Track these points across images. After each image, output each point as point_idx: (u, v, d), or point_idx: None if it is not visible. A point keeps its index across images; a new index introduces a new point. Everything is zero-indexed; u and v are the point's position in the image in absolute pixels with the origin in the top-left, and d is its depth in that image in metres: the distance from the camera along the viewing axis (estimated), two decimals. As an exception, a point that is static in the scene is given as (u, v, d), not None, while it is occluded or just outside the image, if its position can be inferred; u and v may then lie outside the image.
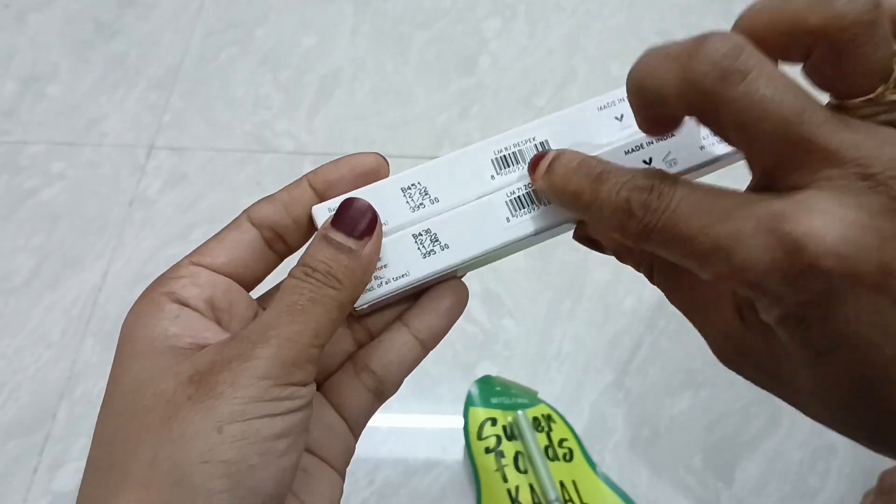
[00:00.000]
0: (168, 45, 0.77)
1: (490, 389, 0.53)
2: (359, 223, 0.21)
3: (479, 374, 0.53)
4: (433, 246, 0.22)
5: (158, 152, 0.70)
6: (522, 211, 0.22)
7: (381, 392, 0.24)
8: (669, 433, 0.55)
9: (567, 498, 0.48)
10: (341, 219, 0.21)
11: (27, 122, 0.72)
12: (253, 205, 0.23)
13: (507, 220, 0.22)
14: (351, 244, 0.21)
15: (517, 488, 0.48)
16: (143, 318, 0.20)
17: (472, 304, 0.54)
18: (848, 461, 0.53)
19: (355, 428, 0.24)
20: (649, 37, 0.76)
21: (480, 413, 0.52)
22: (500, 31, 0.78)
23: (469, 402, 0.52)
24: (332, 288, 0.20)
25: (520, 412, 0.51)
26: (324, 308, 0.20)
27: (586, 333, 0.59)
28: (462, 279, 0.24)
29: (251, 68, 0.75)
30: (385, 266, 0.22)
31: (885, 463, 0.50)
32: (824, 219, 0.15)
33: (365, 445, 0.54)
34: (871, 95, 0.17)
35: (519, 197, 0.22)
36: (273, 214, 0.23)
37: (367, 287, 0.22)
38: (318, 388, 0.24)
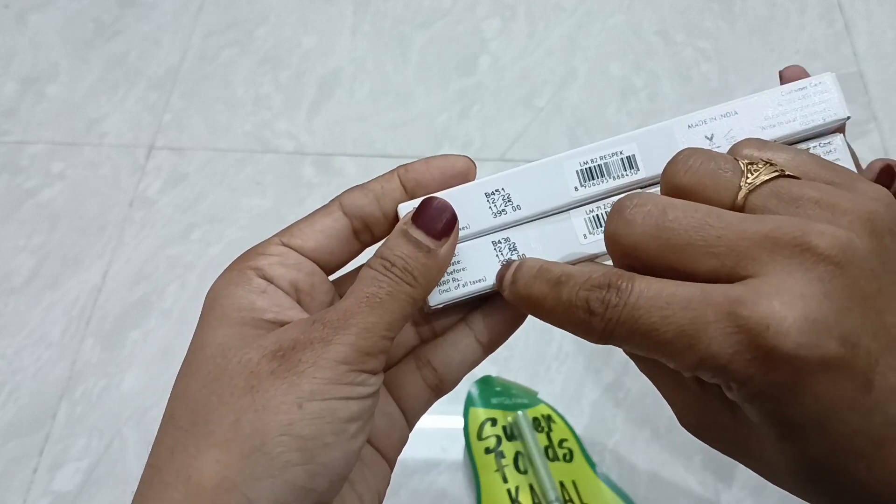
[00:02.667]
0: (168, 45, 0.77)
1: (490, 389, 0.53)
2: (438, 223, 0.21)
3: (479, 374, 0.53)
4: (511, 254, 0.23)
5: (158, 152, 0.70)
6: (599, 230, 0.23)
7: (440, 389, 0.25)
8: (669, 433, 0.55)
9: (567, 498, 0.48)
10: (422, 217, 0.21)
11: (27, 122, 0.72)
12: (346, 192, 0.23)
13: (585, 236, 0.23)
14: (429, 243, 0.21)
15: (517, 488, 0.48)
16: (232, 287, 0.21)
17: (472, 305, 0.54)
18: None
19: (411, 420, 0.25)
20: (649, 37, 0.76)
21: (480, 413, 0.52)
22: (500, 31, 0.78)
23: (469, 403, 0.52)
24: (409, 284, 0.21)
25: (520, 412, 0.51)
26: (399, 303, 0.20)
27: (586, 333, 0.59)
28: None
29: (251, 68, 0.75)
30: (464, 269, 0.23)
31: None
32: (781, 301, 0.16)
33: (365, 445, 0.54)
34: (741, 195, 0.18)
35: (598, 216, 0.23)
36: (366, 206, 0.23)
37: (445, 287, 0.23)
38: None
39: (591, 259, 0.23)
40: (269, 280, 0.22)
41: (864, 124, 0.70)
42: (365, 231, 0.23)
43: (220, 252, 0.63)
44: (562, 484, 0.49)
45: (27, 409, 0.57)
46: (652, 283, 0.18)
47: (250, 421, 0.19)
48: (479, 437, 0.51)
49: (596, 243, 0.23)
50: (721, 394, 0.19)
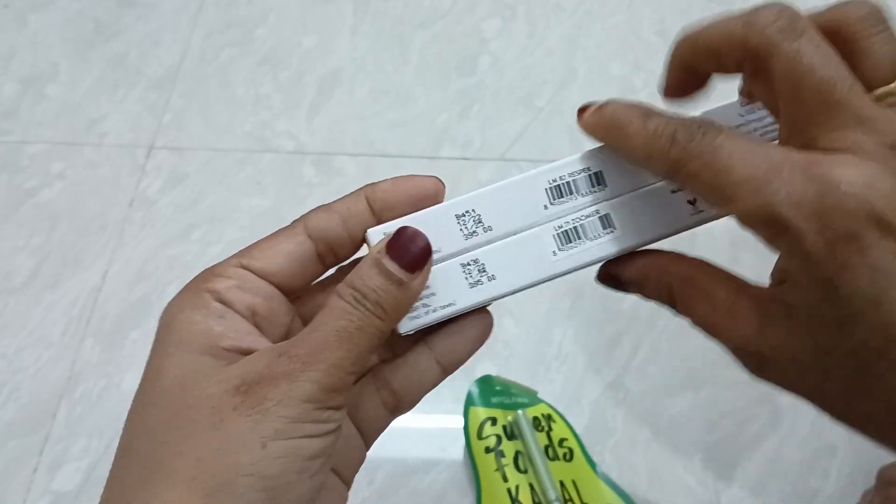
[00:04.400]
0: (168, 45, 0.77)
1: (490, 389, 0.53)
2: (412, 255, 0.21)
3: (479, 374, 0.53)
4: (480, 276, 0.22)
5: (158, 152, 0.70)
6: (569, 245, 0.22)
7: (397, 409, 0.24)
8: (669, 433, 0.55)
9: (567, 498, 0.48)
10: (396, 247, 0.21)
11: (27, 122, 0.72)
12: (310, 213, 0.22)
13: (554, 253, 0.22)
14: (403, 276, 0.20)
15: (517, 488, 0.48)
16: (188, 310, 0.21)
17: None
18: (848, 461, 0.53)
19: (369, 440, 0.25)
20: (649, 37, 0.76)
21: (480, 413, 0.52)
22: (500, 31, 0.78)
23: (469, 402, 0.52)
24: (379, 318, 0.20)
25: (520, 412, 0.51)
26: (367, 337, 0.20)
27: (586, 333, 0.59)
28: (488, 306, 0.24)
29: (251, 68, 0.75)
30: (433, 294, 0.22)
31: (884, 461, 0.50)
32: (856, 169, 0.17)
33: (365, 445, 0.54)
34: (891, 86, 0.19)
35: (566, 231, 0.22)
36: (331, 228, 0.22)
37: (415, 314, 0.22)
38: None
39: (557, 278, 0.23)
40: (227, 304, 0.21)
41: (863, 124, 0.70)
42: (329, 254, 0.23)
43: (220, 252, 0.63)
44: (562, 483, 0.49)
45: (27, 409, 0.57)
46: (737, 136, 0.19)
47: (213, 459, 0.18)
48: (480, 437, 0.51)
49: (567, 259, 0.22)
50: (780, 312, 0.19)
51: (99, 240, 0.65)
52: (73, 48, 0.77)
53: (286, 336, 0.23)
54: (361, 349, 0.20)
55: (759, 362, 0.20)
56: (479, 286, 0.22)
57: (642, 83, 0.73)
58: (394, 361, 0.24)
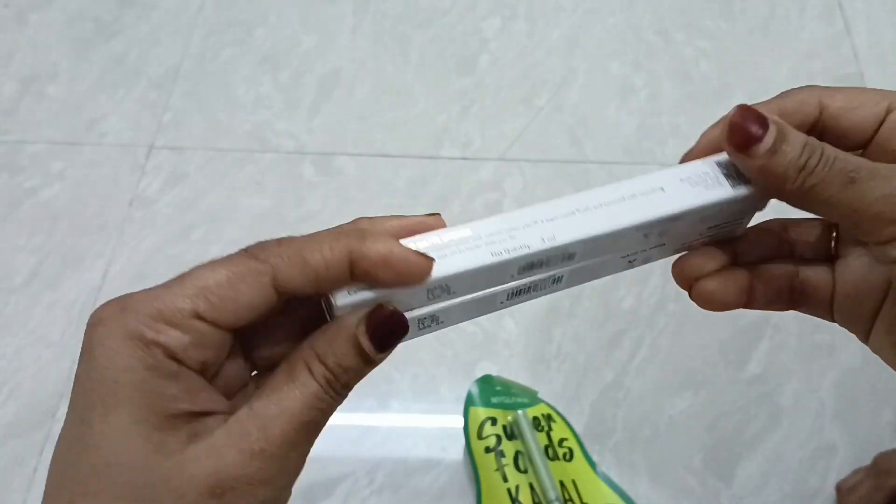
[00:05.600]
0: (168, 45, 0.77)
1: (490, 389, 0.53)
2: (390, 340, 0.20)
3: (479, 374, 0.53)
4: (431, 323, 0.22)
5: (158, 152, 0.70)
6: (517, 297, 0.23)
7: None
8: (669, 433, 0.55)
9: (567, 497, 0.48)
10: (378, 331, 0.19)
11: (27, 122, 0.72)
12: (282, 258, 0.19)
13: (501, 302, 0.23)
14: (375, 356, 0.20)
15: (517, 488, 0.48)
16: (137, 367, 0.18)
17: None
18: (848, 461, 0.53)
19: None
20: (649, 37, 0.76)
21: (480, 413, 0.52)
22: (500, 30, 0.78)
23: (469, 402, 0.52)
24: (342, 398, 0.20)
25: (520, 412, 0.51)
26: (327, 419, 0.19)
27: (586, 333, 0.59)
28: None
29: (251, 68, 0.75)
30: None
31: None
32: None
33: (365, 445, 0.55)
34: None
35: (520, 289, 0.23)
36: (303, 286, 0.19)
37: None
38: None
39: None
40: (180, 362, 0.18)
41: (864, 124, 0.70)
42: (294, 302, 0.21)
43: (219, 251, 0.63)
44: (562, 483, 0.49)
45: (27, 409, 0.57)
46: (867, 166, 0.20)
47: None
48: (480, 437, 0.51)
49: (511, 303, 0.23)
50: None
51: (99, 239, 0.65)
52: (73, 48, 0.77)
53: (234, 381, 0.21)
54: (320, 431, 0.19)
55: None
56: (426, 329, 0.22)
57: (642, 83, 0.73)
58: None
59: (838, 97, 0.21)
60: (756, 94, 0.80)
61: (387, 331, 0.19)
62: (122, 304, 0.19)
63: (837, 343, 0.58)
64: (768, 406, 0.56)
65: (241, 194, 0.67)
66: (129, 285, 0.62)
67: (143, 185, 0.68)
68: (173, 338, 0.18)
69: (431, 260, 0.20)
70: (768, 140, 0.20)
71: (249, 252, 0.19)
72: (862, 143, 0.22)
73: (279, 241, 0.20)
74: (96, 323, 0.19)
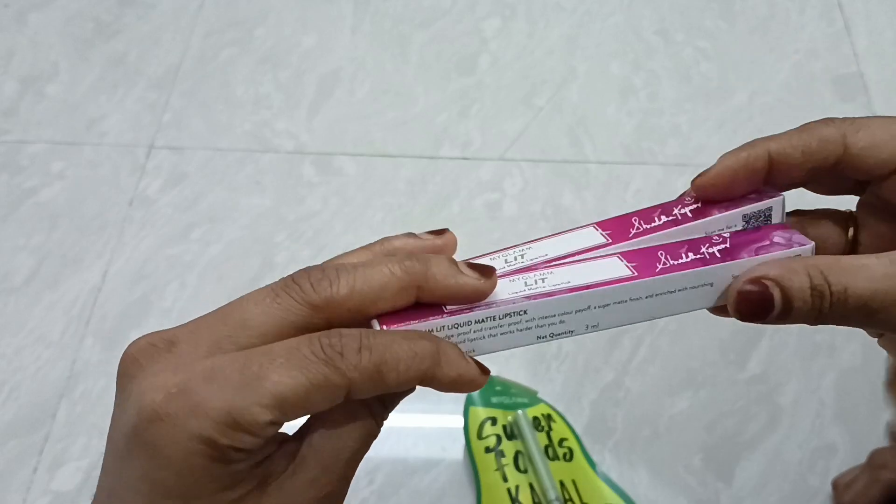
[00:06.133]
0: (168, 45, 0.77)
1: (490, 389, 0.53)
2: None
3: (479, 374, 0.53)
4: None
5: (158, 152, 0.70)
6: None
7: None
8: (669, 433, 0.55)
9: (567, 497, 0.48)
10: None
11: (27, 122, 0.72)
12: (357, 380, 0.19)
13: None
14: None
15: (517, 488, 0.48)
16: (206, 468, 0.18)
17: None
18: (848, 461, 0.53)
19: None
20: (649, 37, 0.76)
21: (480, 412, 0.52)
22: (500, 30, 0.78)
23: (469, 402, 0.52)
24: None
25: (520, 412, 0.51)
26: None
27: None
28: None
29: (251, 68, 0.75)
30: None
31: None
32: None
33: (365, 445, 0.54)
34: None
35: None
36: (369, 397, 0.20)
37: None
38: None
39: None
40: (248, 451, 0.19)
41: (864, 124, 0.70)
42: None
43: (220, 251, 0.63)
44: (562, 483, 0.49)
45: (27, 409, 0.57)
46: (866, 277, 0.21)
47: None
48: (480, 437, 0.51)
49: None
50: None
51: (99, 239, 0.65)
52: (73, 48, 0.77)
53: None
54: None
55: None
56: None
57: (642, 83, 0.73)
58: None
59: (861, 135, 0.21)
60: (756, 93, 0.80)
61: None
62: (188, 401, 0.17)
63: (837, 343, 0.58)
64: (768, 406, 0.56)
65: (241, 194, 0.67)
66: (129, 285, 0.62)
67: (143, 185, 0.68)
68: (249, 442, 0.18)
69: (488, 374, 0.21)
70: (777, 307, 0.21)
71: (330, 348, 0.18)
72: (884, 177, 0.22)
73: (361, 342, 0.19)
74: (155, 418, 0.18)
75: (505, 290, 0.21)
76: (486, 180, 0.67)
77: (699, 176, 0.23)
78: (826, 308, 0.20)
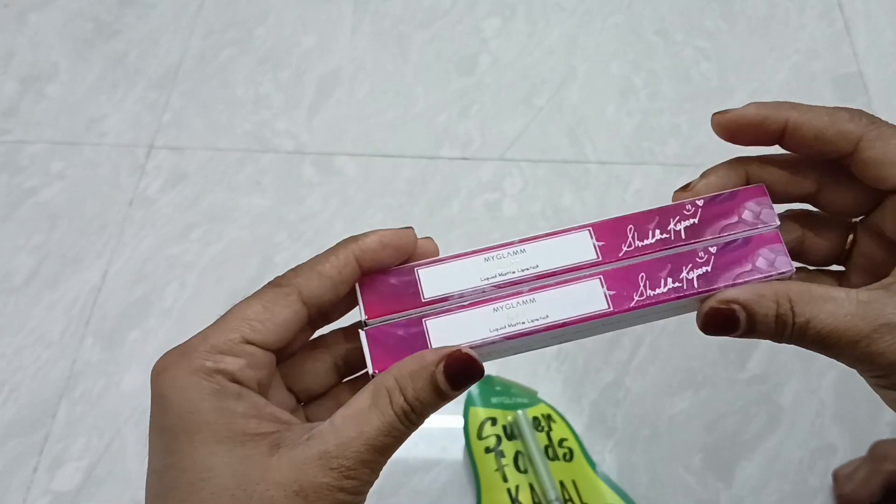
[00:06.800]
0: (168, 45, 0.77)
1: (490, 389, 0.53)
2: (465, 381, 0.22)
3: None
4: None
5: (158, 152, 0.70)
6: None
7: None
8: (669, 433, 0.55)
9: (567, 498, 0.48)
10: (457, 375, 0.21)
11: (27, 122, 0.72)
12: (301, 279, 0.22)
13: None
14: (450, 394, 0.21)
15: (517, 488, 0.48)
16: (209, 397, 0.20)
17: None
18: (847, 461, 0.53)
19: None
20: (649, 37, 0.76)
21: (480, 413, 0.52)
22: (500, 30, 0.78)
23: (469, 402, 0.52)
24: (416, 427, 0.22)
25: (520, 412, 0.51)
26: (399, 445, 0.22)
27: (586, 333, 0.59)
28: None
29: (251, 68, 0.75)
30: None
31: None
32: None
33: (365, 445, 0.54)
34: None
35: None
36: (325, 294, 0.22)
37: None
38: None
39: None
40: (241, 383, 0.21)
41: (864, 124, 0.70)
42: (320, 318, 0.24)
43: (219, 251, 0.63)
44: (562, 483, 0.49)
45: (27, 409, 0.57)
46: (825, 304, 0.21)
47: None
48: (479, 437, 0.51)
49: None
50: None
51: (99, 239, 0.65)
52: (73, 48, 0.77)
53: (284, 406, 0.23)
54: (392, 453, 0.22)
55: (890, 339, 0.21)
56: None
57: (642, 83, 0.73)
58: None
59: (877, 146, 0.22)
60: (756, 93, 0.80)
61: (463, 373, 0.21)
62: (179, 350, 0.21)
63: (837, 343, 0.58)
64: (768, 406, 0.56)
65: (241, 194, 0.67)
66: (129, 285, 0.62)
67: (143, 185, 0.68)
68: (230, 363, 0.21)
69: (411, 228, 0.23)
70: (741, 328, 0.22)
71: (272, 283, 0.23)
72: (881, 195, 0.23)
73: (294, 268, 0.23)
74: (161, 371, 0.21)
75: (487, 323, 0.23)
76: (486, 180, 0.67)
77: (720, 113, 0.24)
78: (787, 335, 0.21)
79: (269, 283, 0.23)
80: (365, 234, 0.23)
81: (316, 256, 0.23)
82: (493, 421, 0.51)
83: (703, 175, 0.24)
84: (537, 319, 0.23)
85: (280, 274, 0.23)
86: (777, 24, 0.77)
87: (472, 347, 0.22)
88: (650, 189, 0.66)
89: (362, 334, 0.23)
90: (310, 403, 0.25)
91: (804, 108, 0.23)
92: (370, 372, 0.22)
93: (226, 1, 0.80)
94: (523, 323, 0.23)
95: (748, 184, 0.24)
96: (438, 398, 0.21)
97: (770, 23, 0.78)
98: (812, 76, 0.74)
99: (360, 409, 0.21)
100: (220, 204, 0.66)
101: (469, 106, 0.72)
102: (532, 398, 0.53)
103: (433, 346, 0.22)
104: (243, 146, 0.70)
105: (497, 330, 0.23)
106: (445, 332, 0.23)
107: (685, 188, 0.24)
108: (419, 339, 0.23)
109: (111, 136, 0.71)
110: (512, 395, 0.53)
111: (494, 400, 0.52)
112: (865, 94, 0.72)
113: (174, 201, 0.67)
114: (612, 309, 0.23)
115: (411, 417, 0.21)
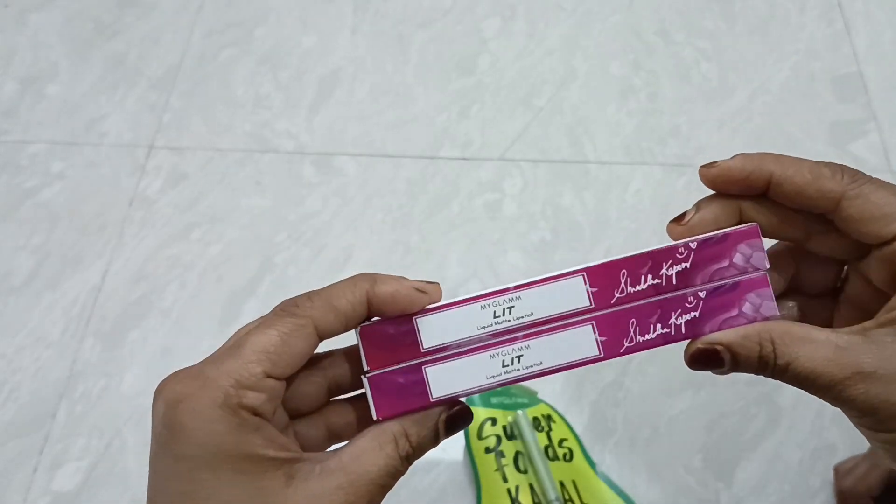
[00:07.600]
0: (168, 45, 0.77)
1: (490, 389, 0.53)
2: (457, 428, 0.25)
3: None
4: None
5: (158, 152, 0.70)
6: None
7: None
8: (669, 433, 0.55)
9: (567, 498, 0.48)
10: (455, 426, 0.25)
11: (27, 122, 0.72)
12: (317, 310, 0.23)
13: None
14: (441, 439, 0.25)
15: (517, 488, 0.48)
16: (230, 433, 0.21)
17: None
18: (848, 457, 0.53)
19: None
20: (649, 37, 0.76)
21: (480, 413, 0.52)
22: (500, 30, 0.78)
23: (469, 402, 0.52)
24: (408, 468, 0.24)
25: (520, 412, 0.51)
26: (395, 483, 0.23)
27: (586, 333, 0.59)
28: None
29: (251, 68, 0.75)
30: None
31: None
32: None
33: (365, 445, 0.54)
34: None
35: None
36: (337, 329, 0.23)
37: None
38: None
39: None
40: (261, 416, 0.22)
41: (863, 124, 0.70)
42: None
43: (219, 251, 0.63)
44: (562, 483, 0.49)
45: (27, 409, 0.57)
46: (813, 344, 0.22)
47: None
48: (480, 437, 0.51)
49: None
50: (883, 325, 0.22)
51: (99, 239, 0.65)
52: (73, 48, 0.77)
53: (279, 426, 0.24)
54: (389, 490, 0.23)
55: (869, 382, 0.21)
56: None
57: (642, 83, 0.73)
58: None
59: (857, 204, 0.22)
60: (756, 93, 0.80)
61: (460, 423, 0.25)
62: (196, 379, 0.22)
63: (837, 343, 0.58)
64: (768, 406, 0.56)
65: (241, 194, 0.67)
66: (129, 285, 0.62)
67: (143, 185, 0.68)
68: (253, 398, 0.21)
69: (425, 293, 0.24)
70: (726, 366, 0.23)
71: (286, 310, 0.23)
72: (864, 252, 0.23)
73: (308, 296, 0.23)
74: (181, 399, 0.21)
75: (484, 370, 0.24)
76: (486, 180, 0.67)
77: (706, 165, 0.24)
78: (768, 373, 0.22)
79: (282, 307, 0.23)
80: (383, 279, 0.24)
81: (332, 287, 0.23)
82: (493, 421, 0.51)
83: (697, 207, 0.24)
84: (532, 366, 0.24)
85: (290, 299, 0.24)
86: (777, 25, 0.77)
87: (470, 392, 0.24)
88: (650, 189, 0.66)
89: (366, 381, 0.24)
90: (298, 419, 0.25)
91: (787, 162, 0.23)
92: (374, 417, 0.24)
93: (226, 1, 0.80)
94: (518, 370, 0.24)
95: (741, 221, 0.24)
96: (434, 443, 0.24)
97: (770, 23, 0.78)
98: (812, 76, 0.74)
99: (366, 450, 0.23)
100: (220, 204, 0.66)
101: (469, 106, 0.72)
102: (532, 398, 0.53)
103: (433, 393, 0.24)
104: (243, 146, 0.70)
105: (493, 377, 0.24)
106: (444, 380, 0.24)
107: (679, 220, 0.24)
108: (419, 387, 0.24)
109: (111, 136, 0.71)
110: (512, 395, 0.53)
111: (494, 400, 0.52)
112: (865, 94, 0.72)
113: (174, 201, 0.67)
114: (602, 355, 0.24)
115: (411, 460, 0.23)
